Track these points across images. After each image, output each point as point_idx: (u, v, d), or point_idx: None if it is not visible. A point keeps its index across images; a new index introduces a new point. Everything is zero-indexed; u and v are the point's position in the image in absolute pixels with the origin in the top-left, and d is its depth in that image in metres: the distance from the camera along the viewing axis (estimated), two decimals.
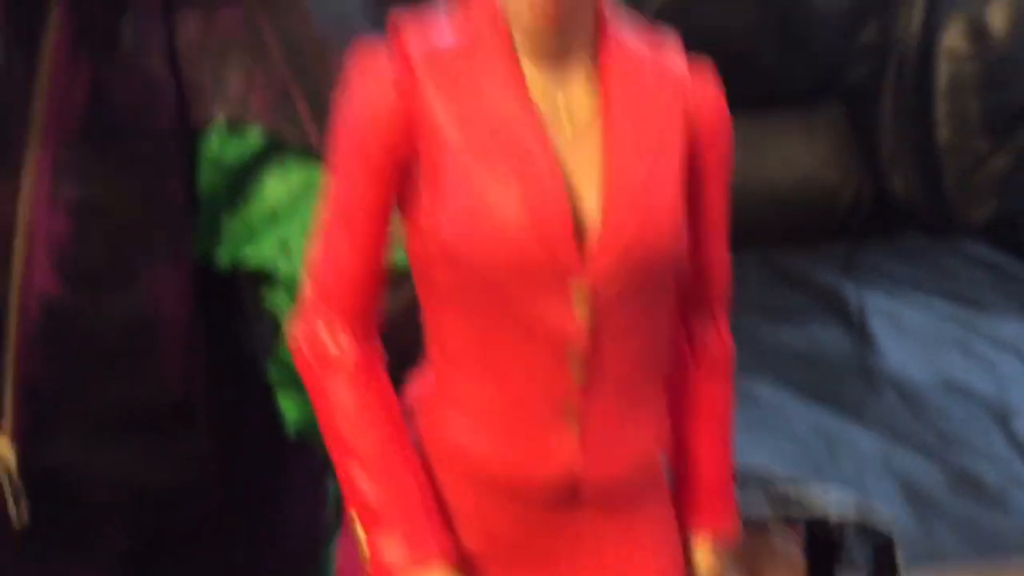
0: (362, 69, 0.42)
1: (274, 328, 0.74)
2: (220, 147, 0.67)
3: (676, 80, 0.42)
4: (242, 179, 0.69)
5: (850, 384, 0.98)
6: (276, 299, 0.72)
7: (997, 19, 1.18)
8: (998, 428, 0.92)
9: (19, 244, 0.63)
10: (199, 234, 0.70)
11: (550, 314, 0.40)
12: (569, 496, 0.41)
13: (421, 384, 0.43)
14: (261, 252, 0.70)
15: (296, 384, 0.72)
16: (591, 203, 0.41)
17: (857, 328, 1.04)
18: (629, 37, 0.43)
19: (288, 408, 0.74)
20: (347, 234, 0.43)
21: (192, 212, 0.69)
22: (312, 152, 0.68)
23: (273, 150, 0.68)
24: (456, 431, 0.42)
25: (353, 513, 0.42)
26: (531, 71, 0.41)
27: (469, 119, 0.41)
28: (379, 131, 0.41)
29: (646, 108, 0.42)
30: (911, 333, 1.02)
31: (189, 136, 0.67)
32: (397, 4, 0.78)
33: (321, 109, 0.67)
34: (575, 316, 0.40)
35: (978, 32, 1.19)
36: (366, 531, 0.41)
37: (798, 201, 1.24)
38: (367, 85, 0.41)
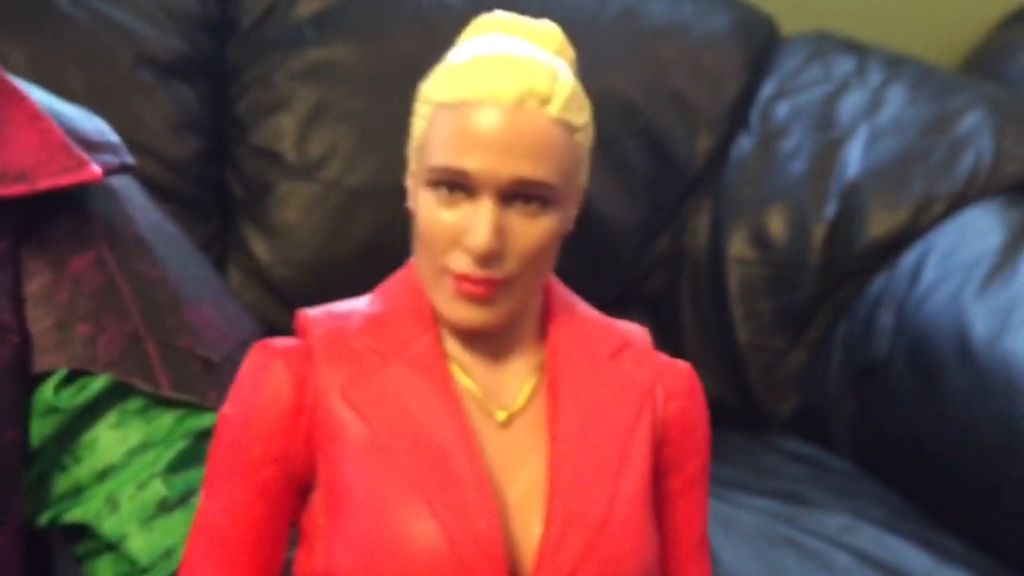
0: (256, 367, 0.34)
1: None
2: (55, 395, 0.63)
3: (643, 381, 0.36)
4: (75, 431, 0.64)
5: None
6: (97, 566, 0.65)
7: (775, 227, 1.28)
8: None
9: None
10: (26, 493, 0.65)
11: None
12: None
13: None
14: (84, 508, 0.64)
15: None
16: (531, 528, 0.33)
17: None
18: (587, 323, 0.36)
19: None
20: (222, 566, 0.34)
21: (23, 468, 0.63)
22: (161, 402, 0.65)
23: (114, 398, 0.64)
24: None
25: None
26: (455, 348, 0.35)
27: (377, 418, 0.33)
28: (269, 443, 0.34)
29: (603, 410, 0.35)
30: (744, 536, 1.03)
31: (29, 386, 0.63)
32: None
33: (174, 358, 0.64)
34: None
35: (760, 239, 1.28)
36: None
37: None
38: (258, 383, 0.34)
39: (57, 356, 0.62)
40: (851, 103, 1.31)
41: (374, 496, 0.32)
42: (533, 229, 0.33)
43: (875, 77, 1.33)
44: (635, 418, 0.35)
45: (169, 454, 0.64)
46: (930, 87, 1.31)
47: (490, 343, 0.35)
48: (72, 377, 0.63)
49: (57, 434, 0.64)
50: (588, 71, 1.28)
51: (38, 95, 0.68)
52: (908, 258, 1.20)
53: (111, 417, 0.64)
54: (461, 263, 0.33)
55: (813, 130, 1.30)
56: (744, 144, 1.32)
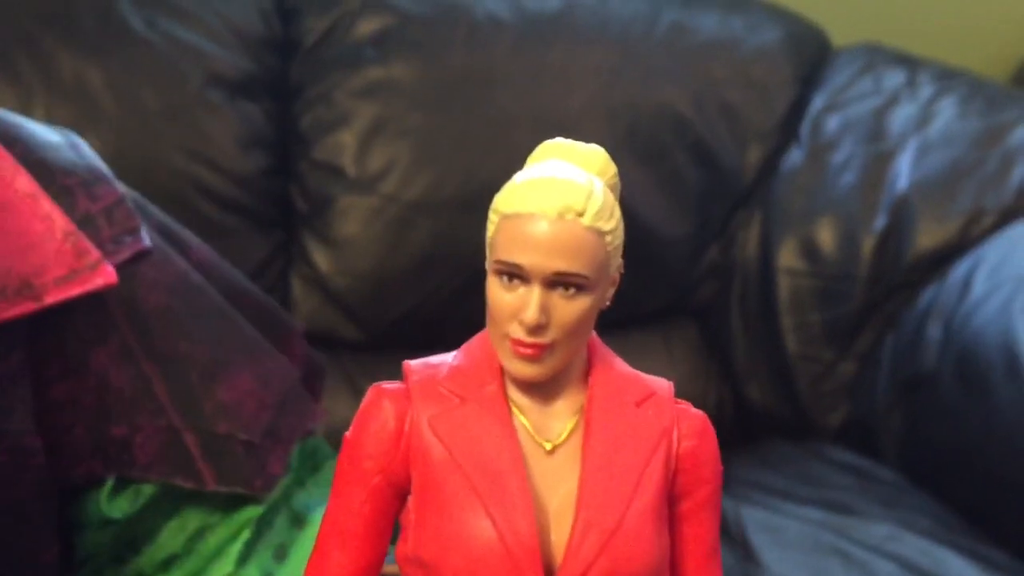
0: (370, 402, 0.46)
1: None
2: (108, 507, 0.60)
3: (661, 424, 0.46)
4: (132, 532, 0.63)
5: None
6: None
7: (824, 238, 1.29)
8: None
9: None
10: None
11: None
12: None
13: None
14: None
15: None
16: (564, 532, 0.44)
17: (739, 544, 1.07)
18: (620, 376, 0.47)
19: None
20: (341, 548, 0.45)
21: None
22: (207, 494, 0.62)
23: (166, 498, 0.62)
24: None
25: None
26: (515, 394, 0.46)
27: (454, 444, 0.44)
28: (378, 459, 0.45)
29: (625, 446, 0.45)
30: (791, 544, 1.05)
31: (64, 498, 0.60)
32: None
33: (212, 444, 0.61)
34: None
35: (809, 251, 1.30)
36: None
37: None
38: (371, 416, 0.45)
39: (93, 464, 0.58)
40: (901, 116, 1.32)
41: (448, 502, 0.43)
42: (571, 307, 0.44)
43: (926, 90, 1.34)
44: (651, 453, 0.45)
45: (236, 547, 0.63)
46: (980, 100, 1.32)
47: (541, 390, 0.46)
48: (121, 485, 0.60)
49: (113, 539, 0.62)
50: (640, 85, 1.31)
51: (32, 134, 0.59)
52: (957, 271, 1.21)
53: (167, 512, 0.62)
54: (517, 331, 0.44)
55: (863, 143, 1.31)
56: (794, 157, 1.34)
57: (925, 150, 1.28)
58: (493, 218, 0.45)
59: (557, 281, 0.43)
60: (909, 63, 1.38)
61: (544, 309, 0.43)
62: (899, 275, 1.25)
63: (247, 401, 0.64)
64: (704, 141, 1.33)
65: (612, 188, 0.46)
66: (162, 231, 0.67)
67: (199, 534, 0.63)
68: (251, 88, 1.22)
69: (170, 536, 0.62)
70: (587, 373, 0.46)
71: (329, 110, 1.23)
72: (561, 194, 0.43)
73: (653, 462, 0.44)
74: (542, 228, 0.42)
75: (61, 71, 1.14)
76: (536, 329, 0.43)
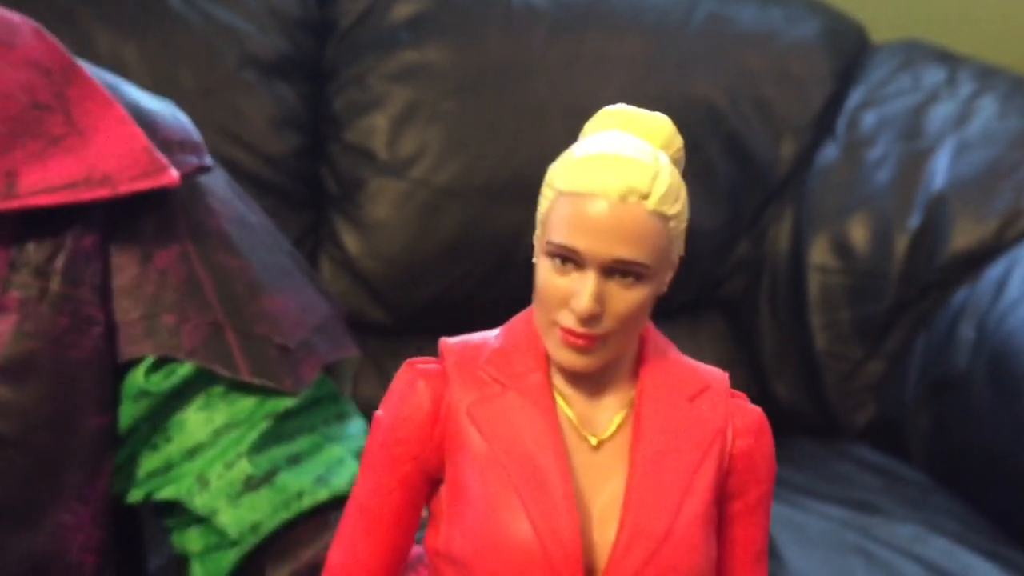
0: (404, 382, 0.43)
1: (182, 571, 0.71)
2: (145, 380, 0.67)
3: (715, 420, 0.42)
4: (165, 413, 0.68)
5: None
6: (186, 537, 0.70)
7: (857, 236, 1.28)
8: None
9: None
10: (116, 471, 0.68)
11: None
12: None
13: None
14: (177, 486, 0.68)
15: None
16: (608, 535, 0.41)
17: None
18: (674, 367, 0.43)
19: None
20: (367, 534, 0.43)
21: (111, 450, 0.67)
22: (241, 386, 0.68)
23: (200, 383, 0.68)
24: None
25: None
26: (561, 383, 0.43)
27: (493, 436, 0.41)
28: (410, 445, 0.42)
29: (677, 444, 0.42)
30: (815, 543, 1.05)
31: (115, 372, 0.67)
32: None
33: (252, 345, 0.68)
34: None
35: (841, 248, 1.28)
36: None
37: None
38: (405, 397, 0.42)
39: (144, 344, 0.66)
40: (940, 114, 1.30)
41: (484, 498, 0.40)
42: (628, 296, 0.40)
43: (965, 88, 1.32)
44: (704, 452, 0.42)
45: (253, 435, 0.68)
46: (1021, 99, 1.30)
47: (589, 381, 0.42)
48: (160, 364, 0.67)
49: (148, 415, 0.67)
50: (675, 76, 1.30)
51: (130, 91, 0.71)
52: (992, 272, 1.20)
53: (198, 400, 0.68)
54: (568, 320, 0.40)
55: (900, 140, 1.30)
56: (829, 152, 1.33)
57: (963, 149, 1.27)
58: (547, 193, 0.41)
59: (615, 268, 0.39)
60: (949, 60, 1.36)
61: (599, 298, 0.39)
62: (932, 275, 1.24)
63: (286, 316, 0.70)
64: (738, 134, 1.32)
65: (676, 163, 0.42)
66: (230, 183, 0.76)
67: (225, 428, 0.68)
68: (285, 69, 1.22)
69: (199, 426, 0.67)
70: (639, 364, 0.42)
71: (362, 93, 1.23)
72: (625, 174, 0.39)
73: (706, 462, 0.41)
74: (602, 210, 0.38)
75: (98, 48, 1.15)
76: (589, 319, 0.39)
